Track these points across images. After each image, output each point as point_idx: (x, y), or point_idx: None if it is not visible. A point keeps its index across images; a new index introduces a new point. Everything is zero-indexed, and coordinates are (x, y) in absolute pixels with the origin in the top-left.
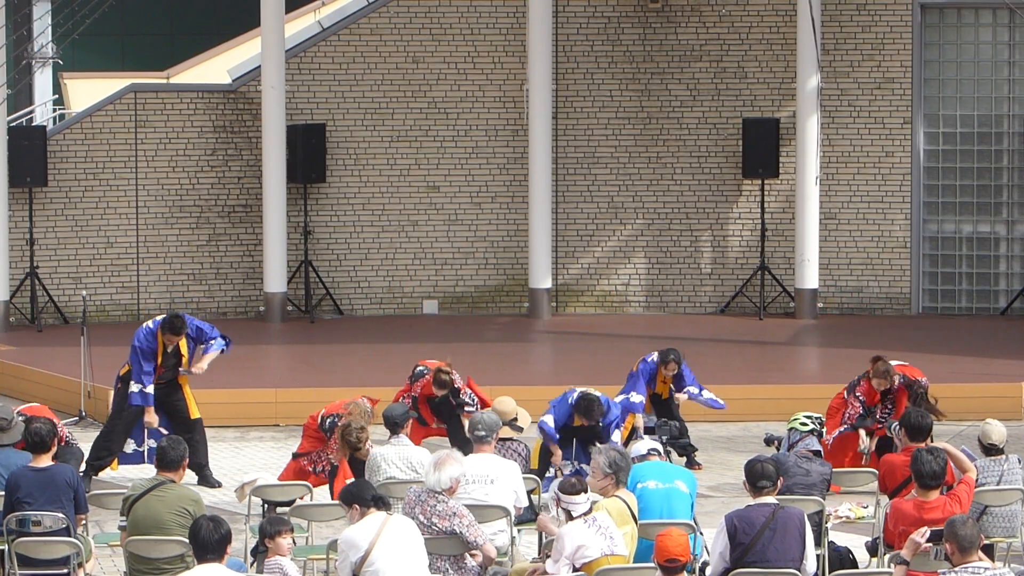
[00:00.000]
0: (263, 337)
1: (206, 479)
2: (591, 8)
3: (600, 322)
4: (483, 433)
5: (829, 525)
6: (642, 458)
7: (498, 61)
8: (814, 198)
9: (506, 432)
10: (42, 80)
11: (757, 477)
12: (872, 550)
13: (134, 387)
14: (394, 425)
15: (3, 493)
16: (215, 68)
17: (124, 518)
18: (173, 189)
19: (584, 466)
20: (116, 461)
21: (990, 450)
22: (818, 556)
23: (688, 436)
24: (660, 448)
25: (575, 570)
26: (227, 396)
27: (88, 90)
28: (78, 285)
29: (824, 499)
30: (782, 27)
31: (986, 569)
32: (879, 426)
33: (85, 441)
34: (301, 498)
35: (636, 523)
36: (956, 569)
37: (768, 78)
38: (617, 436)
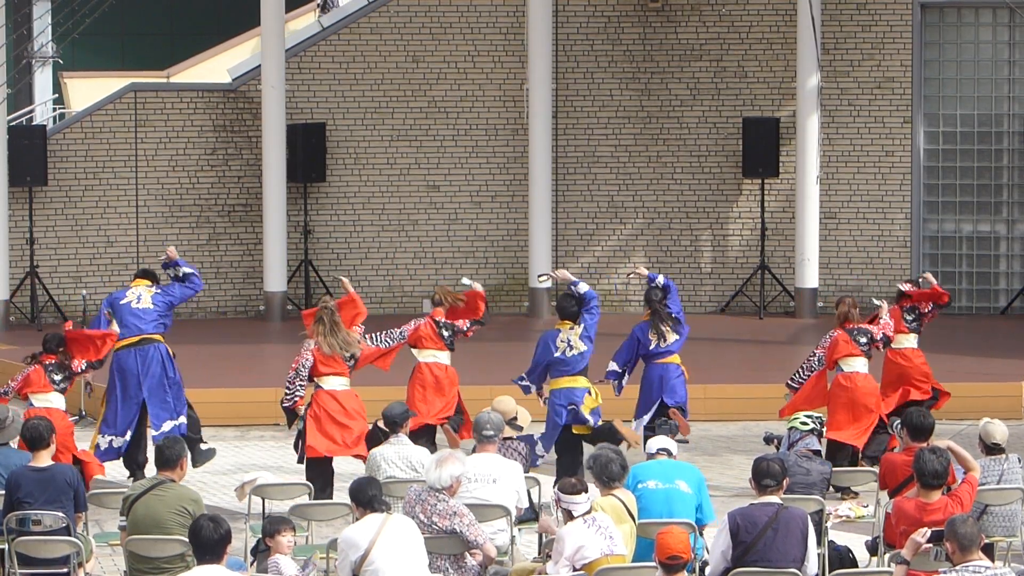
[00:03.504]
0: (263, 337)
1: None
2: (591, 8)
3: (600, 322)
4: (491, 433)
5: (829, 524)
6: (650, 456)
7: (498, 61)
8: (814, 198)
9: (505, 431)
10: (42, 80)
11: (763, 475)
12: (872, 549)
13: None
14: (393, 424)
15: (3, 492)
16: (215, 68)
17: (124, 518)
18: (173, 189)
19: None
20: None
21: (992, 449)
22: (818, 555)
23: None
24: (672, 448)
25: (575, 571)
26: (227, 396)
27: (88, 90)
28: (78, 284)
29: (824, 498)
30: (782, 27)
31: (986, 568)
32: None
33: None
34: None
35: (634, 521)
36: (957, 568)
37: (768, 78)
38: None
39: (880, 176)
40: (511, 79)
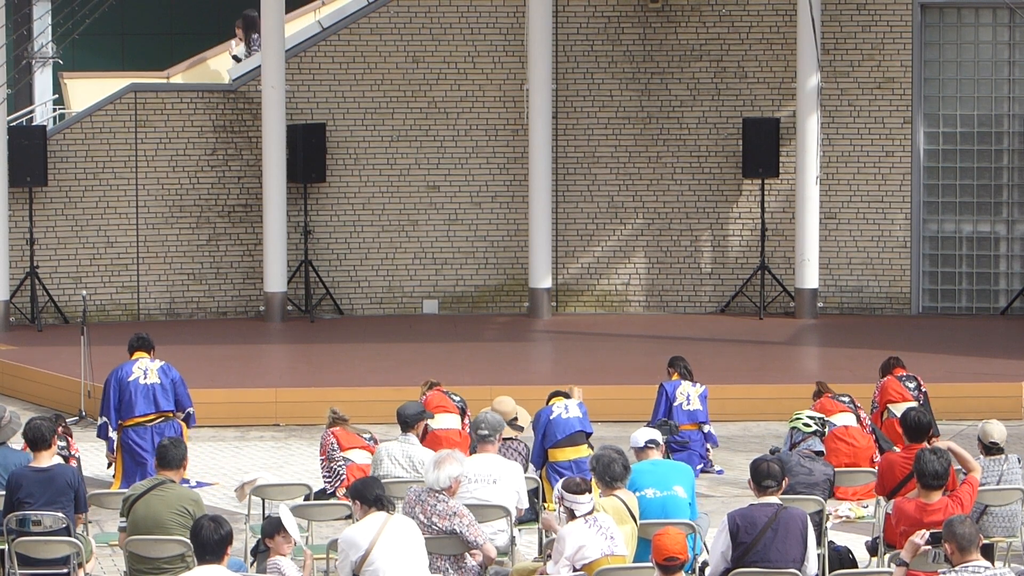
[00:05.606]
0: (263, 337)
1: None
2: (591, 8)
3: (600, 322)
4: (487, 432)
5: (829, 525)
6: (640, 451)
7: (498, 61)
8: (814, 198)
9: (507, 432)
10: (42, 80)
11: (763, 476)
12: (872, 550)
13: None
14: (405, 424)
15: (3, 493)
16: (215, 68)
17: (124, 518)
18: (173, 189)
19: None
20: None
21: (991, 449)
22: (818, 556)
23: None
24: (659, 438)
25: (575, 571)
26: (227, 396)
27: (88, 90)
28: (78, 285)
29: (825, 499)
30: (782, 27)
31: (986, 568)
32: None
33: (85, 440)
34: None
35: (636, 522)
36: (956, 568)
37: (768, 78)
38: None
39: (880, 176)
40: (511, 79)
